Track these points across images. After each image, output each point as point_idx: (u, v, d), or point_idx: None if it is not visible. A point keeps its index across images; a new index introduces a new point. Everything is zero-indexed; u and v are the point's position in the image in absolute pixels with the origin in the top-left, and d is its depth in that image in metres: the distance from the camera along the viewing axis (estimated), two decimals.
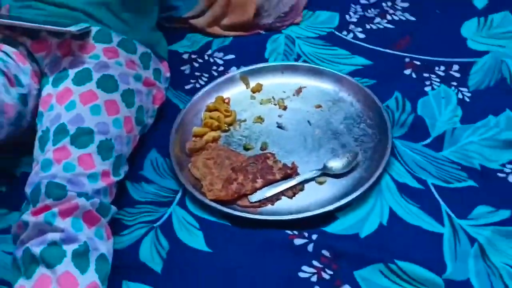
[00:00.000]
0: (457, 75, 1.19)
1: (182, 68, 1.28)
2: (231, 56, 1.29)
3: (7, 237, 0.97)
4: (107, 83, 1.04)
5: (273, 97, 1.19)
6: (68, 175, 0.92)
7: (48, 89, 1.06)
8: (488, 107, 1.11)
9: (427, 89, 1.17)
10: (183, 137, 1.13)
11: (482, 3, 1.33)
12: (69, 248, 0.86)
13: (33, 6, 1.10)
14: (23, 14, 1.07)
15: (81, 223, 0.89)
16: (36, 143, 1.00)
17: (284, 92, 1.20)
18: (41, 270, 0.86)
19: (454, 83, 1.17)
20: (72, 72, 1.05)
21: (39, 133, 1.01)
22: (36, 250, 0.86)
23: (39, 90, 1.09)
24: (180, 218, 1.02)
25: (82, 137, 0.97)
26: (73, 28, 1.03)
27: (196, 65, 1.29)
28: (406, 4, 1.35)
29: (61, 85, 1.04)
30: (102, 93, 1.02)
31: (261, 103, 1.19)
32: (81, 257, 0.87)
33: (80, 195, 0.90)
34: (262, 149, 1.11)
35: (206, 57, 1.30)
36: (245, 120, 1.16)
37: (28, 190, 0.92)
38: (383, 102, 1.14)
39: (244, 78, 1.22)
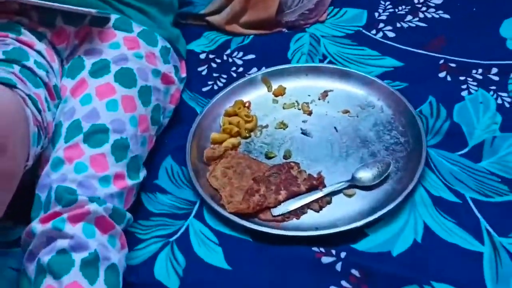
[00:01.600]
0: (496, 78, 1.17)
1: (199, 69, 1.28)
2: (252, 56, 1.29)
3: (12, 251, 0.98)
4: (126, 77, 1.04)
5: (296, 101, 1.19)
6: (79, 177, 0.92)
7: (63, 81, 1.06)
8: None
9: (463, 93, 1.15)
10: (200, 144, 1.13)
11: None
12: (78, 257, 0.86)
13: None
14: None
15: (94, 228, 0.89)
16: None
17: (309, 95, 1.19)
18: (47, 281, 0.85)
19: (493, 87, 1.15)
20: (88, 63, 1.05)
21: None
22: (45, 259, 0.86)
23: None
24: (197, 232, 1.01)
25: (96, 135, 0.96)
26: (93, 10, 1.04)
27: (214, 65, 1.29)
28: (439, 1, 1.34)
29: (77, 77, 1.04)
30: (119, 88, 1.02)
31: (284, 108, 1.18)
32: (90, 266, 0.86)
33: (92, 200, 0.90)
34: (285, 157, 1.10)
35: (225, 57, 1.30)
36: (266, 126, 1.16)
37: (40, 194, 0.92)
38: (416, 107, 1.13)
39: (266, 80, 1.22)
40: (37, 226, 0.88)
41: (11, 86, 0.92)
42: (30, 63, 1.01)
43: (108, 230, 0.90)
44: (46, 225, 0.88)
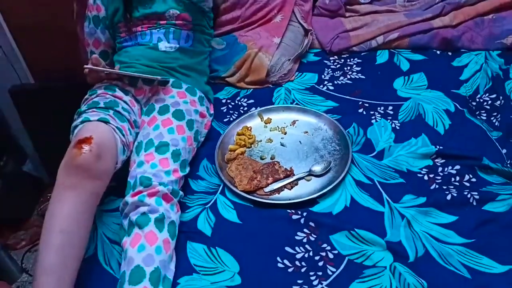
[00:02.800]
0: (391, 112, 1.16)
1: (222, 108, 1.27)
2: (252, 101, 1.28)
3: (116, 213, 0.98)
4: (178, 115, 1.04)
5: (278, 126, 1.18)
6: (153, 171, 0.93)
7: (142, 117, 1.07)
8: (411, 133, 1.09)
9: (373, 121, 1.14)
10: (223, 151, 1.12)
11: (406, 67, 1.29)
12: (152, 216, 0.88)
13: (133, 65, 1.11)
14: (127, 71, 1.08)
15: (161, 200, 0.90)
16: (133, 150, 1.00)
17: (285, 123, 1.18)
18: (135, 230, 0.86)
19: (390, 118, 1.15)
20: (157, 107, 1.06)
21: (135, 144, 1.01)
22: (133, 218, 0.87)
23: None
24: (222, 202, 1.01)
25: (162, 147, 0.97)
26: (159, 77, 1.05)
27: (230, 106, 1.27)
28: (359, 68, 1.33)
29: (151, 115, 1.05)
30: (175, 120, 1.02)
31: (270, 130, 1.17)
32: (159, 222, 0.88)
33: (160, 183, 0.90)
34: (271, 158, 1.09)
35: (236, 102, 1.29)
36: (261, 141, 1.15)
37: (130, 181, 0.93)
38: (346, 129, 1.12)
39: (260, 114, 1.21)
40: (129, 199, 0.89)
41: (106, 122, 0.94)
42: (119, 108, 1.02)
43: (169, 201, 0.91)
44: (134, 198, 0.89)
